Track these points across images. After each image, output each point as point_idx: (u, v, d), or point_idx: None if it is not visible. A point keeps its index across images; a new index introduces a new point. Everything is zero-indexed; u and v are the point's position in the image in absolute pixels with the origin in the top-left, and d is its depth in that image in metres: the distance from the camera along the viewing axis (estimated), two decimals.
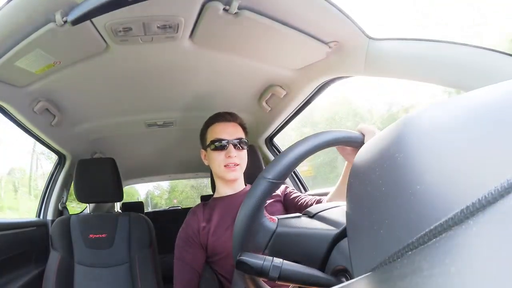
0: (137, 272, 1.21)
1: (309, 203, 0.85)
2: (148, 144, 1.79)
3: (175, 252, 0.92)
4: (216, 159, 0.92)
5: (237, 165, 0.91)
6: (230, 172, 0.91)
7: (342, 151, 0.56)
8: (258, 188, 0.38)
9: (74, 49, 0.84)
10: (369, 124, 0.52)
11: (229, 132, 0.92)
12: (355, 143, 0.47)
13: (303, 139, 0.40)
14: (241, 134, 0.94)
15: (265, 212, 0.40)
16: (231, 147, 0.90)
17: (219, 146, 0.91)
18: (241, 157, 0.92)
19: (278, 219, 0.42)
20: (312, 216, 0.45)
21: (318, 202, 0.82)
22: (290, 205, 0.92)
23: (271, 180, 0.38)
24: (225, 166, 0.90)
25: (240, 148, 0.92)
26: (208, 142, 0.94)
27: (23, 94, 0.99)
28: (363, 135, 0.48)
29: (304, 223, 0.43)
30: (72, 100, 1.15)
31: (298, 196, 0.93)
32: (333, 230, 0.39)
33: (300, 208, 0.87)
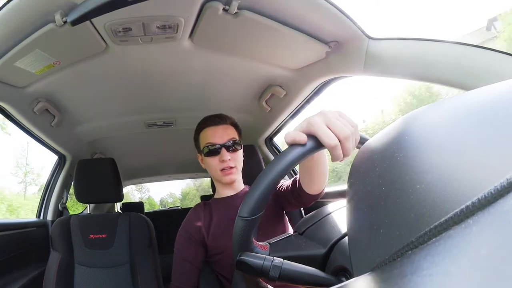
0: (137, 273, 1.21)
1: (288, 185, 0.85)
2: (148, 144, 1.79)
3: (175, 248, 0.91)
4: (211, 164, 0.91)
5: (233, 167, 0.90)
6: (227, 176, 0.90)
7: None
8: (237, 228, 0.38)
9: (74, 50, 0.84)
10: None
11: (220, 135, 0.90)
12: (319, 148, 0.39)
13: (271, 164, 0.37)
14: (233, 135, 0.93)
15: (254, 241, 0.40)
16: (224, 150, 0.89)
17: (213, 150, 0.90)
18: (236, 159, 0.91)
19: (269, 244, 0.43)
20: (302, 233, 0.47)
21: (294, 181, 0.81)
22: (279, 194, 0.90)
23: (247, 218, 0.37)
24: (221, 170, 0.90)
25: (234, 149, 0.91)
26: (201, 147, 0.93)
27: (23, 94, 0.99)
28: (313, 136, 0.39)
29: (294, 244, 0.45)
30: (72, 100, 1.15)
31: (280, 185, 0.91)
32: (320, 250, 0.43)
33: (284, 193, 0.86)
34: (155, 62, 0.98)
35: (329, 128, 0.38)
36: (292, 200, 0.83)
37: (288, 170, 0.37)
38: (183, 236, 0.92)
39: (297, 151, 0.37)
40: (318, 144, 0.38)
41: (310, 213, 0.55)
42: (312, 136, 0.39)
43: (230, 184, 0.94)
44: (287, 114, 1.36)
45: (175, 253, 0.91)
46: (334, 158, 0.40)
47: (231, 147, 0.90)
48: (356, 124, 0.41)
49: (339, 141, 0.39)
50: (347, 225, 0.30)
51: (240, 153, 0.94)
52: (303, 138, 0.37)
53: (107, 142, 1.63)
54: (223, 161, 0.89)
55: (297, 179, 0.79)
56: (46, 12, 0.67)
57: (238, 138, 0.94)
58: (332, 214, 0.50)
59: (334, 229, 0.46)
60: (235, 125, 0.96)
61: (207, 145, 0.91)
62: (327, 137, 0.38)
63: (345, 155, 0.40)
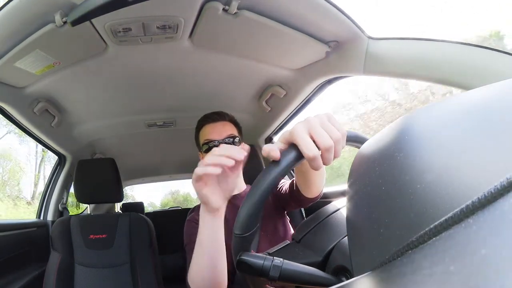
0: (137, 273, 1.21)
1: (287, 188, 0.84)
2: (148, 144, 1.79)
3: (184, 240, 0.88)
4: None
5: None
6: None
7: None
8: (234, 244, 0.39)
9: (74, 50, 0.84)
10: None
11: (218, 132, 0.90)
12: (299, 159, 0.37)
13: (259, 178, 0.37)
14: (232, 131, 0.92)
15: (253, 253, 0.40)
16: None
17: (211, 147, 0.89)
18: None
19: (268, 254, 0.43)
20: (299, 241, 0.50)
21: (292, 184, 0.81)
22: (279, 195, 0.90)
23: (242, 236, 0.37)
24: None
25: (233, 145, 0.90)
26: (201, 144, 0.93)
27: (23, 95, 0.99)
28: (293, 144, 0.38)
29: (292, 253, 0.47)
30: (72, 100, 1.15)
31: (280, 186, 0.91)
32: (316, 259, 0.45)
33: (284, 195, 0.86)
34: (155, 62, 0.98)
35: (312, 137, 0.37)
36: (292, 203, 0.83)
37: (274, 184, 0.36)
38: (192, 225, 0.88)
39: (277, 167, 0.36)
40: (299, 155, 0.37)
41: (307, 218, 0.56)
42: (294, 146, 0.37)
43: None
44: (287, 114, 1.36)
45: (185, 243, 0.87)
46: (311, 167, 0.38)
47: (230, 144, 0.90)
48: (344, 131, 0.39)
49: (320, 150, 0.37)
50: (347, 225, 0.30)
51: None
52: (277, 155, 0.36)
53: (107, 142, 1.63)
54: None
55: (294, 182, 0.78)
56: (46, 12, 0.67)
57: (237, 135, 0.93)
58: (328, 217, 0.51)
59: (330, 235, 0.48)
60: (234, 122, 0.95)
61: (206, 141, 0.90)
62: (306, 147, 0.36)
63: (325, 164, 0.38)
